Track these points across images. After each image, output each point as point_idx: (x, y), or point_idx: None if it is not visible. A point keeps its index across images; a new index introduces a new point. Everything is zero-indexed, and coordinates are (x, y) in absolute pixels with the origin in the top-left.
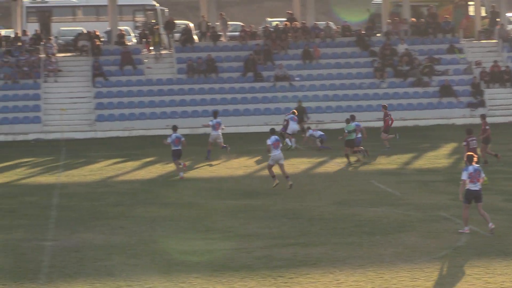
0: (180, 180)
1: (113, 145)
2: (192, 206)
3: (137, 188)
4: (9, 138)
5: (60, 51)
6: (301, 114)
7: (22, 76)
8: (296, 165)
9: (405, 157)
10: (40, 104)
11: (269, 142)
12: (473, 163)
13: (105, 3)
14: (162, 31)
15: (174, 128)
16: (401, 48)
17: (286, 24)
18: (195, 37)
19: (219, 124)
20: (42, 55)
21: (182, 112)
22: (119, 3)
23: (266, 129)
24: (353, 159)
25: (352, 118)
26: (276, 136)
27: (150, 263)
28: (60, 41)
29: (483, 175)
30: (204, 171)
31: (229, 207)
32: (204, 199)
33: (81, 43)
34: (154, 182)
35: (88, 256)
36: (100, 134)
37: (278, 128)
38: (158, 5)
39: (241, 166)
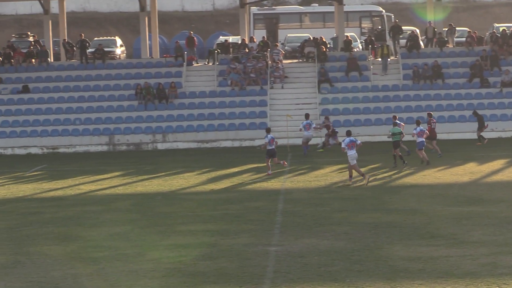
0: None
1: (339, 151)
2: (416, 212)
3: (361, 194)
4: (236, 143)
5: (286, 58)
6: (480, 122)
7: (249, 82)
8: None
9: None
10: (266, 111)
11: (343, 145)
12: None
13: (332, 10)
14: (388, 37)
15: (268, 130)
16: None
17: None
18: (421, 43)
19: (309, 125)
20: (269, 62)
21: (407, 118)
22: (346, 9)
23: (494, 135)
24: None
25: (417, 124)
26: (351, 138)
27: (374, 269)
28: (287, 47)
29: None
30: (429, 177)
31: (453, 214)
32: (428, 205)
33: (307, 49)
34: (378, 188)
35: (312, 261)
36: None
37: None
38: (384, 11)
39: (466, 172)
